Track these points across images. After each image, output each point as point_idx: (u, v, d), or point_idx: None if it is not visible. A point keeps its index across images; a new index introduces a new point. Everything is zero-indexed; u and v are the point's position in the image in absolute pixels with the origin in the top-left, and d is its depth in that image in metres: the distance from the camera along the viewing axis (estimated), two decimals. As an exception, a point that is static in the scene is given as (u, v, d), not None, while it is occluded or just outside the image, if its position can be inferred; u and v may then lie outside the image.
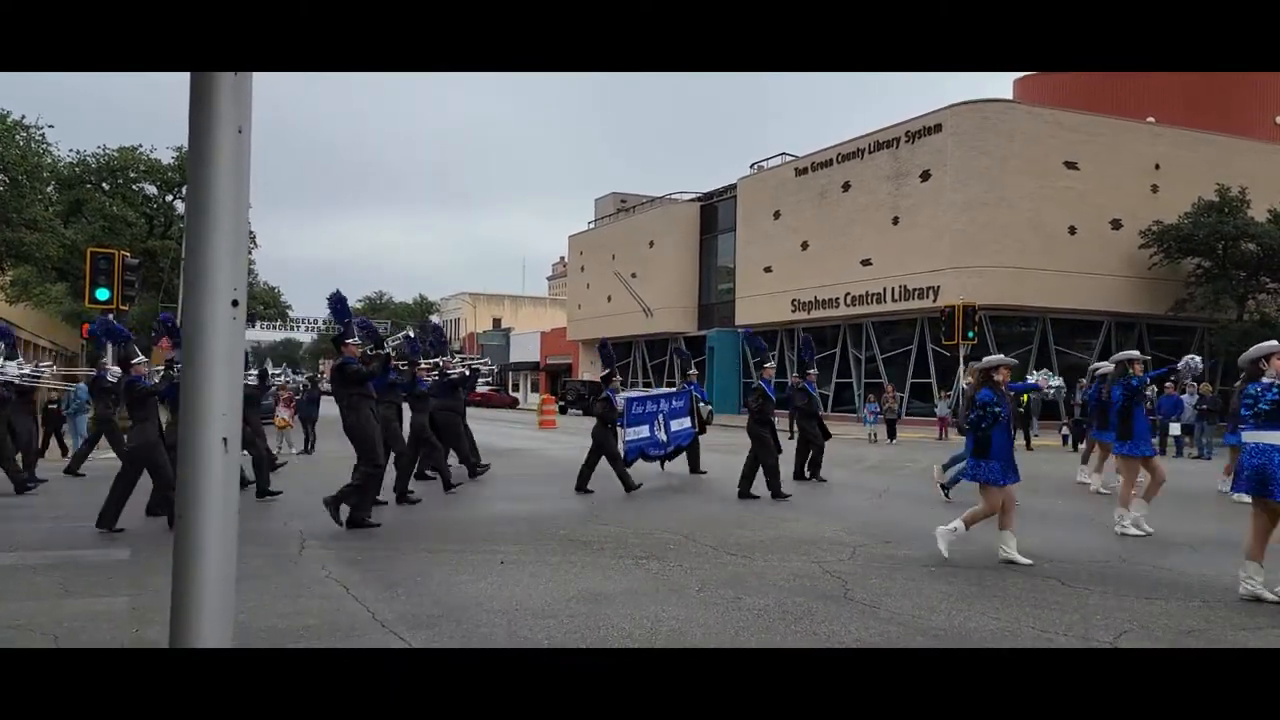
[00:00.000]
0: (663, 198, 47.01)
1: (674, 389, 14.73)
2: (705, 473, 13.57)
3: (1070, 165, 28.83)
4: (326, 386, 13.92)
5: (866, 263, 31.86)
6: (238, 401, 1.68)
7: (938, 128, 29.47)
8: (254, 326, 51.08)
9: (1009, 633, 5.10)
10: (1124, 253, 29.42)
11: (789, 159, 36.96)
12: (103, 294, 18.28)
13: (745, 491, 10.90)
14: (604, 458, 11.32)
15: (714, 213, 42.84)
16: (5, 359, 11.58)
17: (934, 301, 28.64)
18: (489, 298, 75.68)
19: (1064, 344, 30.16)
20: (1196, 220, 27.55)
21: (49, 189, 23.29)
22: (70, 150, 30.54)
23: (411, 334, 12.33)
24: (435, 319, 78.66)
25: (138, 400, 8.76)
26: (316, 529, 8.46)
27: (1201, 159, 29.76)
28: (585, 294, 50.18)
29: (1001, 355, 7.60)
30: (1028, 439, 21.10)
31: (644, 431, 12.47)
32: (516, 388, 61.33)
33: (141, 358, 9.31)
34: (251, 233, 27.64)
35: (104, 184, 23.95)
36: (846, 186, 33.01)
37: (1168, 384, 22.91)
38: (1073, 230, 28.94)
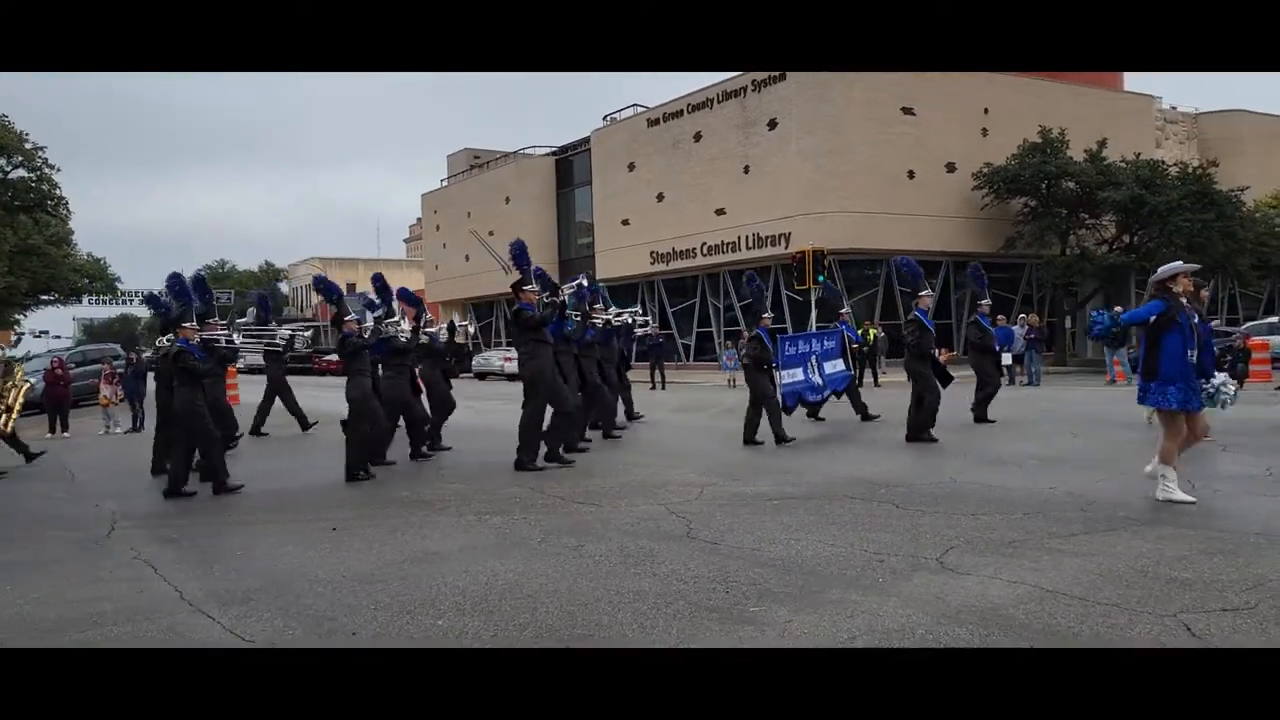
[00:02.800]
0: (517, 152, 46.03)
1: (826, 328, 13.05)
2: (878, 417, 12.35)
3: (907, 111, 29.78)
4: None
5: (720, 212, 32.16)
6: None
7: (782, 76, 29.82)
8: (81, 303, 47.38)
9: (843, 556, 5.15)
10: (959, 195, 30.75)
11: (641, 110, 36.75)
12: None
13: (915, 435, 9.98)
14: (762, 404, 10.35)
15: (569, 166, 42.28)
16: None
17: (785, 248, 29.22)
18: (341, 262, 72.76)
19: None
20: (1022, 161, 29.07)
21: None
22: None
23: (585, 282, 11.62)
24: (284, 286, 75.08)
25: (352, 355, 9.22)
26: (132, 509, 7.82)
27: (1026, 103, 31.29)
28: (442, 254, 48.87)
29: (1180, 263, 6.42)
30: (875, 376, 21.91)
31: (799, 375, 11.28)
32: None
33: (352, 314, 9.54)
34: (63, 198, 25.36)
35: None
36: (698, 137, 33.11)
37: (1000, 316, 24.25)
38: (911, 174, 30.00)
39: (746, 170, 31.22)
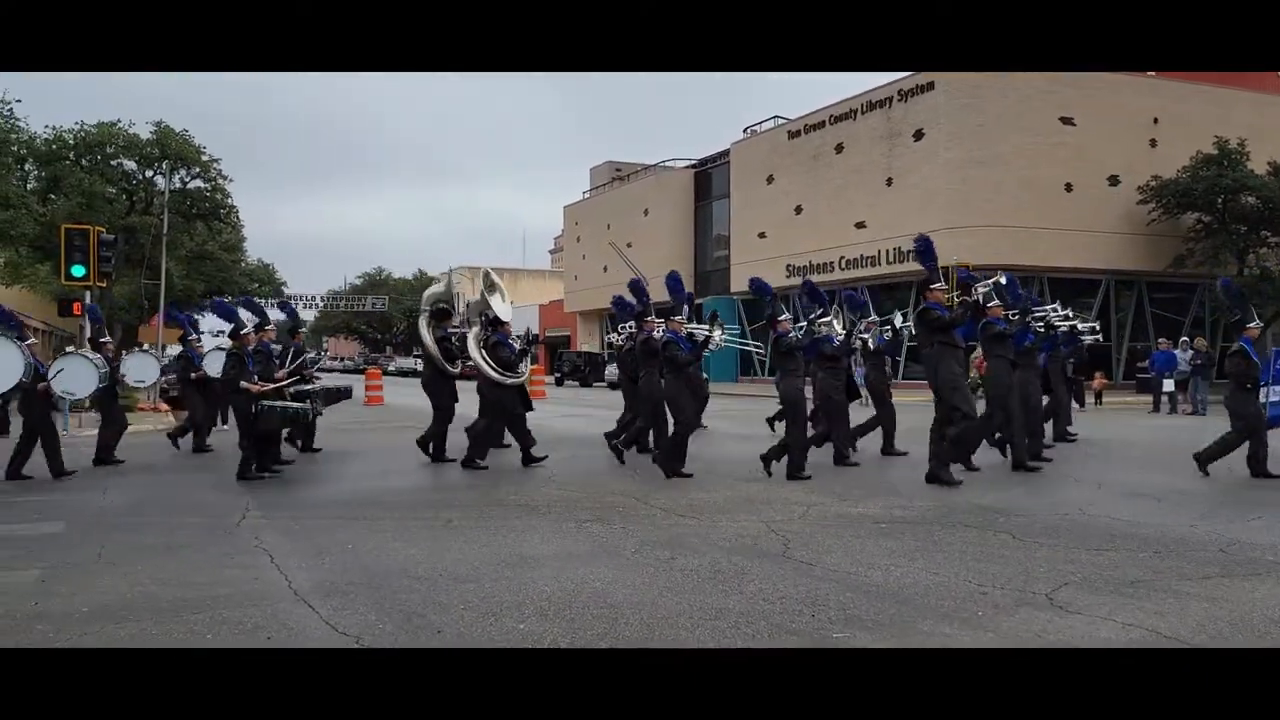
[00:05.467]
0: (657, 165, 46.50)
1: None
2: None
3: (1066, 121, 28.29)
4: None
5: (861, 225, 31.46)
6: None
7: (930, 86, 28.93)
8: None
9: (945, 586, 4.88)
10: (1122, 209, 28.93)
11: (781, 122, 36.44)
12: (79, 270, 18.17)
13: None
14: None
15: (708, 179, 42.39)
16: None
17: (928, 263, 28.26)
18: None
19: (1063, 304, 29.71)
20: (1195, 174, 27.04)
21: (25, 166, 22.99)
22: (46, 126, 30.30)
23: (1004, 280, 10.13)
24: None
25: (785, 354, 9.24)
26: (264, 501, 8.28)
27: (1200, 112, 29.16)
28: (581, 265, 49.86)
29: None
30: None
31: None
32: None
33: (785, 314, 9.43)
34: (234, 207, 27.37)
35: (82, 160, 23.69)
36: (839, 148, 32.53)
37: (1161, 340, 22.61)
38: (1069, 187, 28.46)
39: (889, 182, 30.42)
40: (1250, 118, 29.16)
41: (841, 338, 10.35)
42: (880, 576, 5.14)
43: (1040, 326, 10.46)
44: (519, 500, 7.97)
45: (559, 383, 39.44)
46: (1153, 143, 29.24)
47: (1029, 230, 27.76)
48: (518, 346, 10.71)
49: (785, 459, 9.18)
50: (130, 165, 25.04)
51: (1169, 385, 19.15)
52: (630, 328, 11.68)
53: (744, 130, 39.04)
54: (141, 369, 13.58)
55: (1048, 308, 11.35)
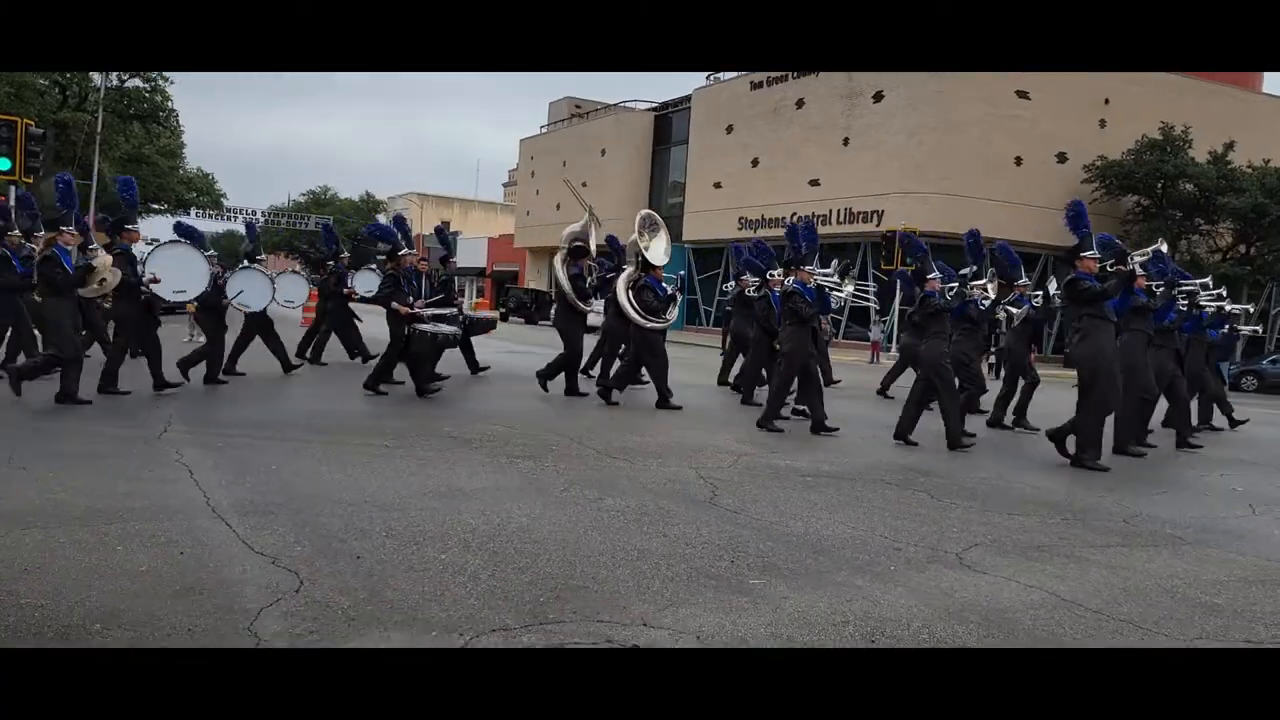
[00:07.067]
0: (617, 105, 45.84)
1: None
2: None
3: (1021, 95, 28.56)
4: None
5: (815, 183, 31.55)
6: None
7: (894, 47, 28.89)
8: (189, 214, 49.20)
9: (861, 540, 5.01)
10: (1067, 186, 29.38)
11: (745, 72, 36.09)
12: (3, 164, 17.33)
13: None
14: None
15: (668, 124, 41.97)
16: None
17: (878, 225, 28.54)
18: (438, 199, 73.96)
19: (1003, 275, 30.28)
20: (1139, 157, 27.62)
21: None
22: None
23: (1164, 248, 9.48)
24: (380, 218, 76.68)
25: (931, 315, 8.67)
26: (189, 414, 8.11)
27: (1150, 96, 29.67)
28: (534, 200, 49.24)
29: None
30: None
31: None
32: (461, 293, 60.35)
33: (935, 273, 8.89)
34: (174, 110, 26.31)
35: (12, 49, 22.41)
36: (800, 104, 32.42)
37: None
38: (1019, 161, 28.86)
39: (846, 142, 30.49)
40: (1197, 105, 29.78)
41: (989, 302, 9.85)
42: (801, 527, 5.26)
43: (1184, 304, 9.88)
44: (453, 433, 7.93)
45: (504, 318, 39.10)
46: (1102, 123, 29.72)
47: (976, 200, 28.13)
48: (669, 290, 10.70)
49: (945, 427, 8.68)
50: (64, 58, 23.75)
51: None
52: (772, 277, 11.37)
53: (707, 77, 38.63)
54: (292, 289, 13.45)
55: (1196, 283, 10.64)
